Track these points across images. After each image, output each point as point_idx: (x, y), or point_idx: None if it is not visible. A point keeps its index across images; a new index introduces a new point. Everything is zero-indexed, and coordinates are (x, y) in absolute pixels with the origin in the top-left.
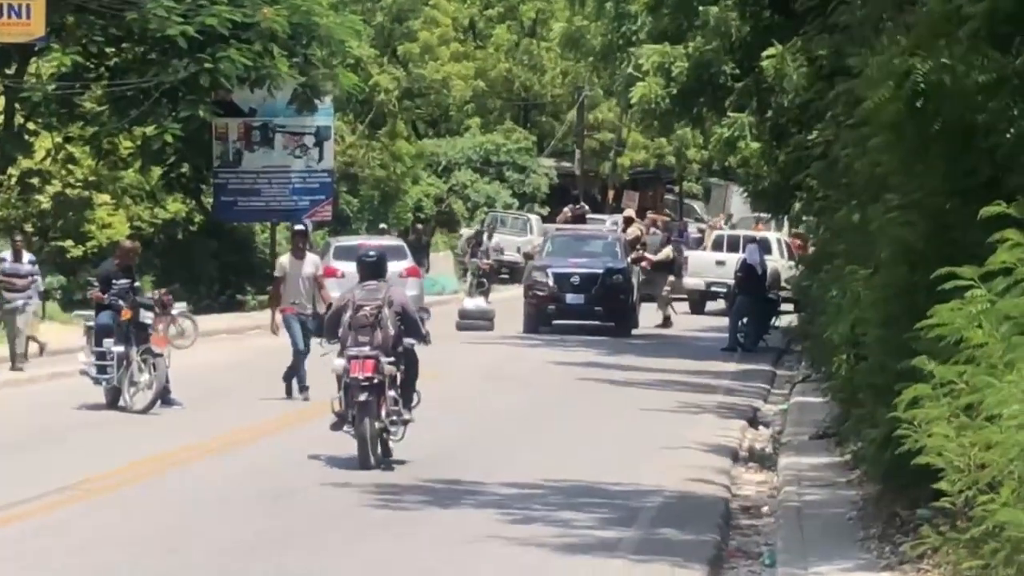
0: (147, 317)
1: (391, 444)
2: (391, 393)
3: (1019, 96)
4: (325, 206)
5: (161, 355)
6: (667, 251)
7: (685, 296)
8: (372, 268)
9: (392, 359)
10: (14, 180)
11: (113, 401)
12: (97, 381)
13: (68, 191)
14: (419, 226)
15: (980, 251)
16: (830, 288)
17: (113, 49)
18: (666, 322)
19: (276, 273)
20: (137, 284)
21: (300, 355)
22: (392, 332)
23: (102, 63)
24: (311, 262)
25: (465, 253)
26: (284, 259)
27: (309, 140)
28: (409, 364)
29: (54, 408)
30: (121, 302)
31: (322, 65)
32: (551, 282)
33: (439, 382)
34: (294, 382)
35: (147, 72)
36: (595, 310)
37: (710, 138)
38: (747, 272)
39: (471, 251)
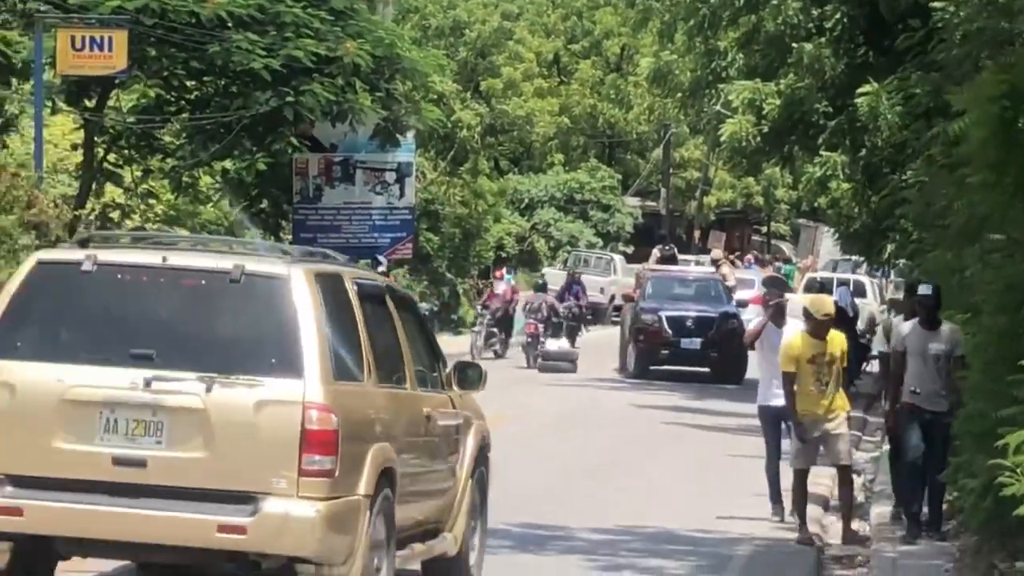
0: None
1: None
2: None
3: None
4: (406, 244)
5: None
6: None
7: None
8: None
9: None
10: (94, 215)
11: None
12: None
13: (148, 226)
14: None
15: None
16: None
17: (194, 82)
18: None
19: (894, 344)
20: None
21: (918, 473)
22: None
23: (182, 96)
24: (948, 336)
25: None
26: (906, 326)
27: (390, 176)
28: None
29: None
30: None
31: (405, 100)
32: (665, 325)
33: (519, 424)
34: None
35: (229, 106)
36: (711, 355)
37: (800, 178)
38: (837, 315)
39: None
